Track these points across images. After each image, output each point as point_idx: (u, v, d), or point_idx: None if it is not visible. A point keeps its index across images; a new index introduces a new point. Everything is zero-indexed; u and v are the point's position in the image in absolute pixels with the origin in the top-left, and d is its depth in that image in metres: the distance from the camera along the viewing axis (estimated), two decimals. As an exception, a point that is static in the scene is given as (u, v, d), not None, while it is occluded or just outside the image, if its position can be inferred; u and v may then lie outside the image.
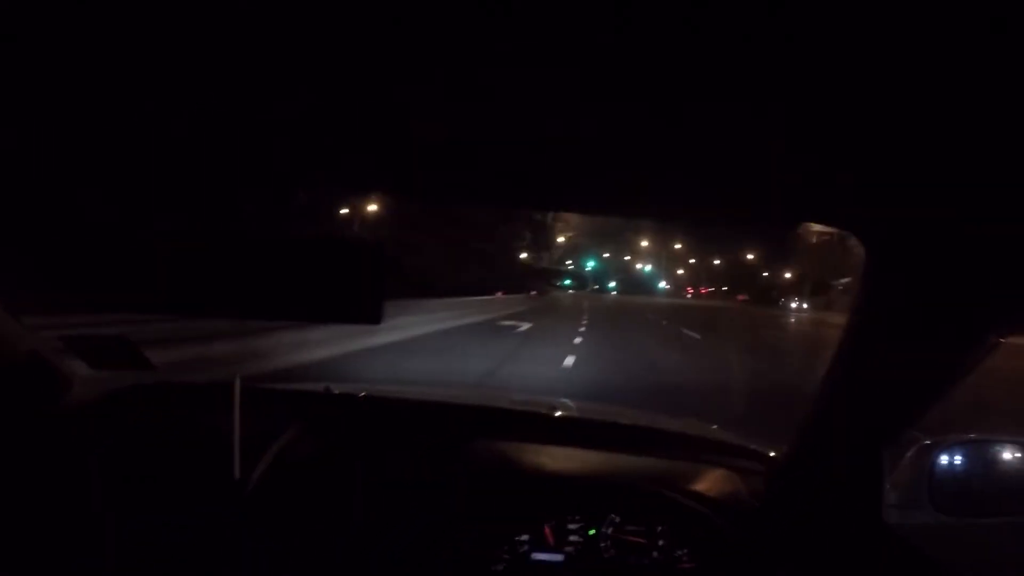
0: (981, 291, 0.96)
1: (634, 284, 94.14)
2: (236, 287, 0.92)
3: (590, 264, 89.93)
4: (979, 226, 0.86)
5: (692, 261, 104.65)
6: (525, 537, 1.31)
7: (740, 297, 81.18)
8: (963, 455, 1.25)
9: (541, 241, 51.51)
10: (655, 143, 0.81)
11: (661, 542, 1.32)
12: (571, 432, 1.65)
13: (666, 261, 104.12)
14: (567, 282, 79.81)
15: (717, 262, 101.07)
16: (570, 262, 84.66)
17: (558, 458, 1.50)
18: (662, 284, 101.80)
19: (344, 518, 1.33)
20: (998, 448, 1.27)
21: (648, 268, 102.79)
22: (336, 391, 1.69)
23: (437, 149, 0.86)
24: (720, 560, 1.29)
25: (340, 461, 1.44)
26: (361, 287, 0.91)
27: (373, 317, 0.90)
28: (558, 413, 1.82)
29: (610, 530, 1.33)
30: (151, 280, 0.91)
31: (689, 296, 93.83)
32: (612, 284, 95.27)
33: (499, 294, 28.54)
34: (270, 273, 0.92)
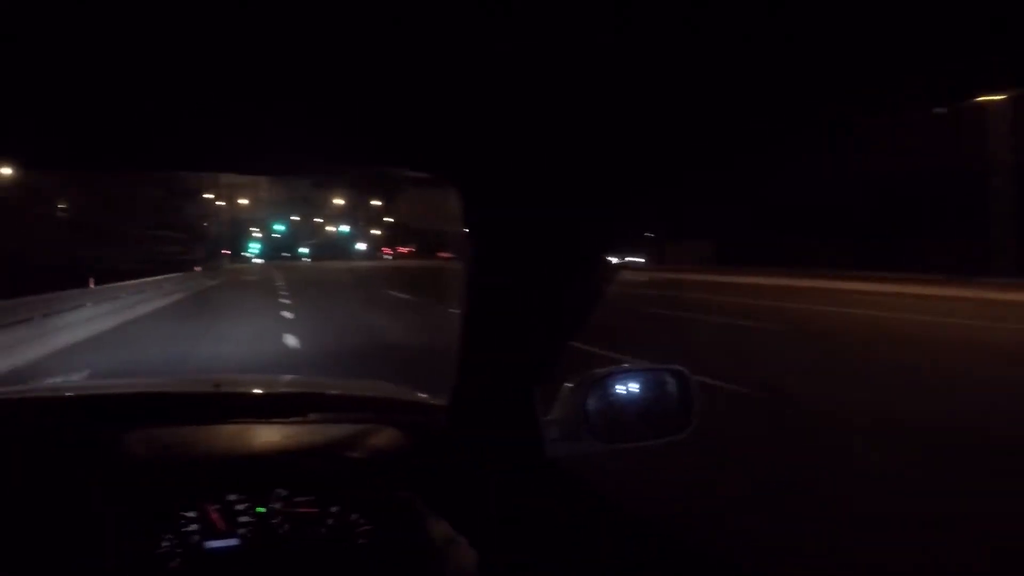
0: (580, 235, 1.06)
1: (328, 248, 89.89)
2: None
3: (280, 228, 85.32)
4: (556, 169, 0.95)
5: (389, 220, 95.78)
6: (194, 527, 1.24)
7: (443, 254, 75.82)
8: (609, 387, 1.34)
9: (190, 210, 46.32)
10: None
11: (334, 509, 1.29)
12: (227, 408, 1.57)
13: (364, 221, 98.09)
14: (253, 249, 75.39)
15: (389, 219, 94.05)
16: (255, 229, 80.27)
17: (214, 437, 1.43)
18: (359, 245, 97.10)
19: None
20: (636, 377, 1.38)
21: (345, 229, 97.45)
22: None
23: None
24: (395, 517, 1.28)
25: None
26: None
27: None
28: (213, 389, 1.72)
29: (279, 505, 1.28)
30: None
31: (388, 256, 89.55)
32: (304, 250, 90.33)
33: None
34: None
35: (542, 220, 1.03)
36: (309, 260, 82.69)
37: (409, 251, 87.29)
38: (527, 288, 1.14)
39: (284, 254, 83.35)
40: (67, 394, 1.72)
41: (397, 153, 1.05)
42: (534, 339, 1.23)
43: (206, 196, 53.32)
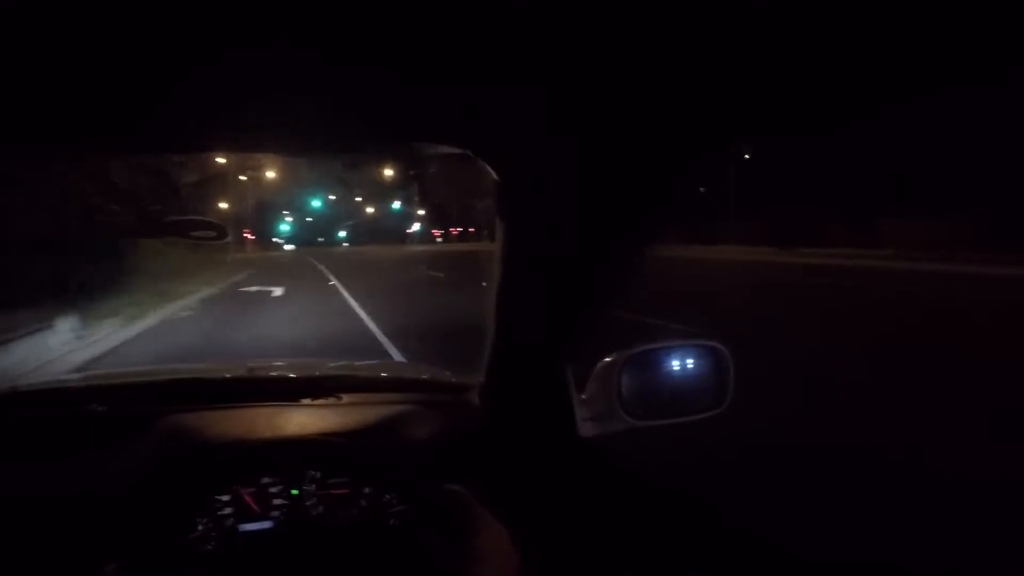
0: (611, 209, 1.06)
1: (368, 230, 78.52)
2: None
3: (316, 206, 73.43)
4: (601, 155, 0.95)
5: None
6: (228, 510, 1.26)
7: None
8: (643, 364, 1.36)
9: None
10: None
11: (367, 490, 1.31)
12: (260, 392, 1.61)
13: (414, 199, 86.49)
14: (283, 232, 65.84)
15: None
16: (287, 212, 70.13)
17: (247, 420, 1.45)
18: (414, 227, 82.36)
19: (27, 519, 1.22)
20: (671, 354, 1.39)
21: (396, 206, 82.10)
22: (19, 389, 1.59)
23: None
24: (427, 497, 1.28)
25: (21, 460, 1.36)
26: None
27: None
28: (246, 375, 1.77)
29: (313, 487, 1.30)
30: None
31: (439, 240, 79.61)
32: (342, 233, 79.19)
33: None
34: None
35: (579, 194, 1.04)
36: (348, 245, 74.74)
37: (457, 232, 79.15)
38: (560, 264, 1.15)
39: (319, 239, 73.73)
40: (105, 382, 1.77)
41: (433, 129, 1.04)
42: (567, 316, 1.24)
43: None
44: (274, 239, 62.24)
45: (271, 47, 0.73)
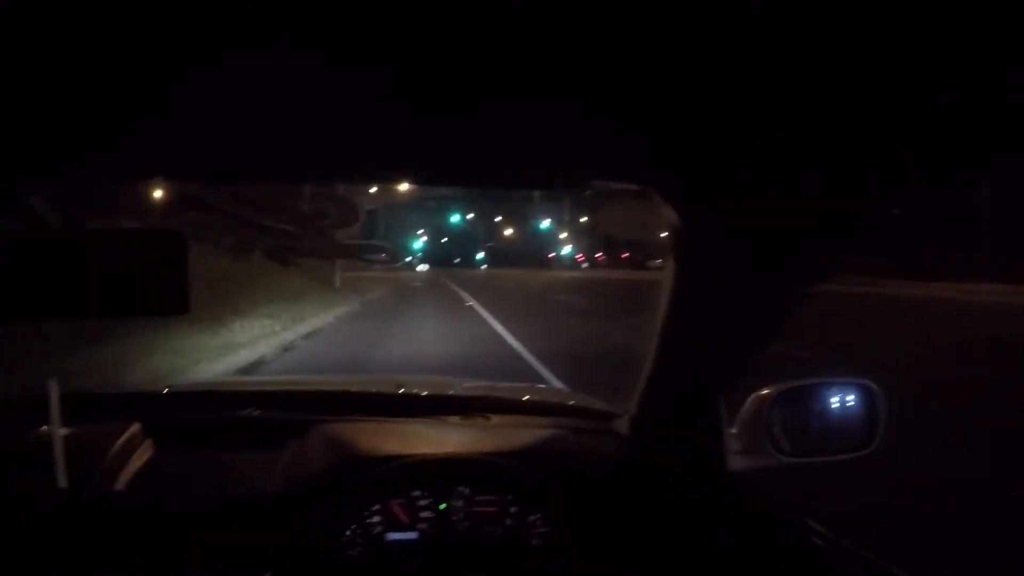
0: (789, 245, 1.07)
1: (510, 253, 72.17)
2: (32, 286, 0.90)
3: (454, 221, 70.23)
4: (784, 194, 0.95)
5: (583, 219, 74.43)
6: (377, 519, 1.32)
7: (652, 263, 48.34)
8: (795, 400, 1.39)
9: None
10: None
11: (513, 509, 1.35)
12: (415, 408, 1.70)
13: (564, 219, 76.60)
14: (416, 249, 62.05)
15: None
16: (421, 231, 67.52)
17: (399, 435, 1.52)
18: (566, 249, 74.26)
19: (181, 515, 1.32)
20: (823, 391, 1.42)
21: (546, 224, 75.83)
22: (175, 390, 1.71)
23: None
24: (573, 520, 1.32)
25: (179, 459, 1.47)
26: (165, 277, 0.92)
27: (179, 307, 0.92)
28: (396, 390, 1.84)
29: (461, 503, 1.35)
30: None
31: (584, 265, 71.59)
32: (480, 255, 74.84)
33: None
34: (68, 268, 0.90)
35: (752, 229, 1.05)
36: (486, 267, 70.59)
37: (602, 258, 71.69)
38: (728, 298, 1.16)
39: (455, 260, 69.58)
40: (258, 388, 1.87)
41: (615, 167, 1.07)
42: (729, 350, 1.27)
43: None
44: (407, 258, 58.91)
45: (458, 81, 0.73)
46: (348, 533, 1.30)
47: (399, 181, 1.28)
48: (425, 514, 1.34)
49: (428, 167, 1.10)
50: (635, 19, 0.59)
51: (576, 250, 74.43)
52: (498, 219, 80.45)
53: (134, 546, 1.25)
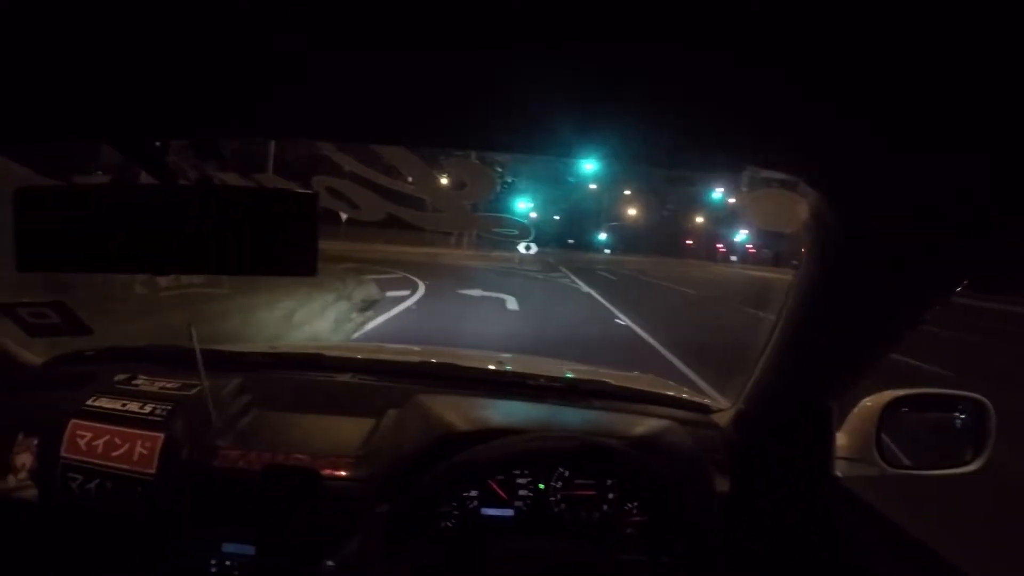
0: (934, 252, 1.01)
1: (638, 237, 58.13)
2: (163, 239, 0.92)
3: (572, 191, 52.90)
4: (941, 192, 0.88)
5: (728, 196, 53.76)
6: (474, 492, 1.36)
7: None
8: (908, 410, 1.41)
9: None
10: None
11: (611, 495, 1.37)
12: (517, 386, 1.73)
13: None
14: (518, 224, 34.15)
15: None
16: (529, 201, 47.38)
17: (505, 412, 1.53)
18: (739, 234, 57.28)
19: (276, 477, 1.38)
20: (940, 403, 1.44)
21: (718, 195, 55.66)
22: (279, 350, 1.80)
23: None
24: (670, 511, 1.33)
25: (283, 419, 1.55)
26: (295, 238, 0.93)
27: (308, 268, 0.93)
28: (503, 367, 1.89)
29: (559, 484, 1.37)
30: (71, 233, 0.91)
31: (733, 259, 59.90)
32: (603, 236, 60.17)
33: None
34: (198, 224, 0.92)
35: (901, 239, 1.00)
36: (609, 252, 57.64)
37: (753, 251, 61.06)
38: (859, 303, 1.13)
39: (569, 240, 56.21)
40: (359, 355, 1.90)
41: (767, 153, 1.00)
42: (850, 356, 1.24)
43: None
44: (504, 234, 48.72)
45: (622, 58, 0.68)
46: (446, 506, 1.34)
47: (555, 154, 1.06)
48: (523, 492, 1.37)
49: (586, 143, 1.00)
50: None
51: (750, 238, 57.62)
52: (627, 192, 63.86)
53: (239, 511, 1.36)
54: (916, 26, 0.56)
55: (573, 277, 25.40)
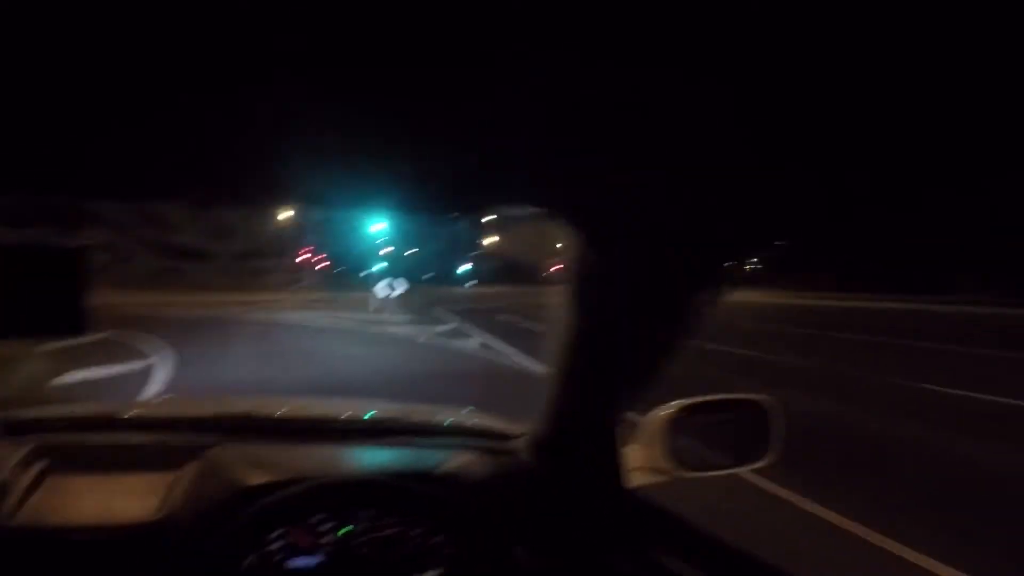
0: (688, 270, 1.10)
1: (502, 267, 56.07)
2: None
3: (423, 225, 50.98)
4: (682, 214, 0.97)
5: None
6: (277, 544, 1.33)
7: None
8: (690, 417, 1.46)
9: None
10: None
11: (416, 531, 1.36)
12: (316, 431, 1.71)
13: None
14: (377, 269, 43.02)
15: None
16: (383, 239, 49.72)
17: (300, 458, 1.53)
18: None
19: (75, 546, 1.34)
20: (727, 407, 1.51)
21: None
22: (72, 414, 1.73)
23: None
24: (475, 542, 1.34)
25: (74, 483, 1.50)
26: (61, 296, 0.88)
27: (75, 328, 0.89)
28: (301, 413, 1.86)
29: (363, 526, 1.36)
30: None
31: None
32: (466, 267, 59.66)
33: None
34: None
35: (647, 254, 1.08)
36: (472, 285, 55.65)
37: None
38: (625, 317, 1.21)
39: (425, 275, 52.85)
40: (152, 412, 1.84)
41: (519, 193, 1.05)
42: (626, 369, 1.31)
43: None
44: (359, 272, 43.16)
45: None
46: (248, 560, 1.30)
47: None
48: (327, 538, 1.35)
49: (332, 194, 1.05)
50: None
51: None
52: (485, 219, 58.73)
53: None
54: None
55: (470, 328, 18.49)
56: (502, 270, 55.59)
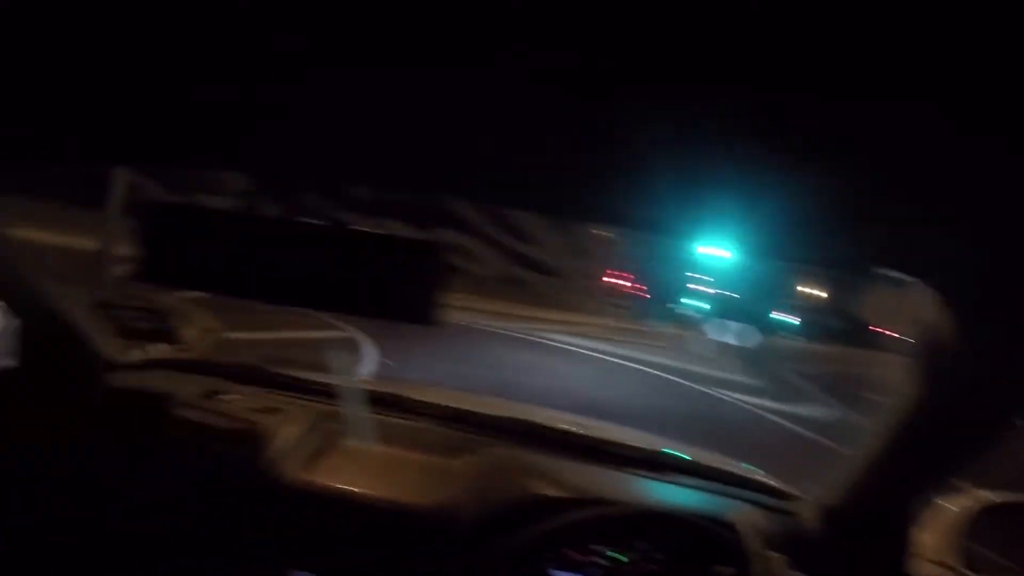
0: None
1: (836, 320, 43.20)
2: (285, 271, 0.94)
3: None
4: None
5: None
6: (552, 558, 1.35)
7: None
8: (993, 517, 1.37)
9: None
10: None
11: (689, 570, 1.35)
12: (597, 452, 1.72)
13: None
14: (696, 304, 38.23)
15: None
16: (703, 273, 42.96)
17: (592, 480, 1.54)
18: None
19: (353, 510, 1.41)
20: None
21: None
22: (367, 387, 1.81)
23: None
24: None
25: (356, 450, 1.60)
26: (418, 286, 0.93)
27: (427, 317, 0.94)
28: (583, 431, 1.86)
29: (635, 555, 1.37)
30: (206, 258, 0.94)
31: None
32: (789, 319, 46.45)
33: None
34: (328, 263, 0.94)
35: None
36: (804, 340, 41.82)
37: None
38: (976, 399, 1.09)
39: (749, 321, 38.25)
40: (435, 400, 1.88)
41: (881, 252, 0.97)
42: (955, 455, 1.20)
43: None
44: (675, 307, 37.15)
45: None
46: (515, 560, 1.34)
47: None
48: (595, 559, 1.37)
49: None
50: None
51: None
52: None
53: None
54: None
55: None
56: (822, 325, 45.63)
